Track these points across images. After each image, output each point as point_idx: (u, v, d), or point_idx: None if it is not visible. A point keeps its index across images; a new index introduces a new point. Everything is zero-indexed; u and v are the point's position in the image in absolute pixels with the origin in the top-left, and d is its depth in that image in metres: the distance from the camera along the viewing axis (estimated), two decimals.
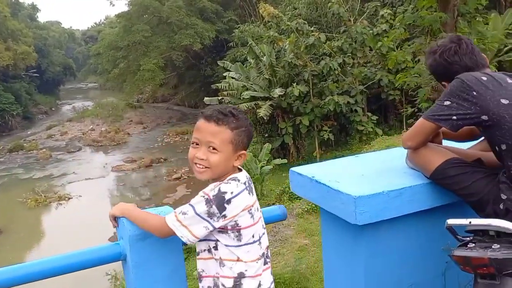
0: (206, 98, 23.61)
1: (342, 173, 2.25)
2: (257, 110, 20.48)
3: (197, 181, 28.13)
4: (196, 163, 1.64)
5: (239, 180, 1.61)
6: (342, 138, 23.29)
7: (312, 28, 20.69)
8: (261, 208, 1.87)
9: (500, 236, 1.69)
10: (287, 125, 21.75)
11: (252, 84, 21.64)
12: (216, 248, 1.60)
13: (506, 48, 17.42)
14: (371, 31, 19.78)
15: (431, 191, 2.07)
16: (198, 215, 1.53)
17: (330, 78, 20.73)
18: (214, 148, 1.60)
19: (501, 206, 1.87)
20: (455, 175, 1.97)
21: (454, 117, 1.90)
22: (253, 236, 1.60)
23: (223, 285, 1.56)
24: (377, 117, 22.23)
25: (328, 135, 21.06)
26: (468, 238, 1.78)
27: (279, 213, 2.19)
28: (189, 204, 1.59)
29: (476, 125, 1.91)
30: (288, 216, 12.58)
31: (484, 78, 1.90)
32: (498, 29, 12.29)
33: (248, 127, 1.68)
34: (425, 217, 2.12)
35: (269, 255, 1.70)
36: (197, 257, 1.68)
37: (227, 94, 22.70)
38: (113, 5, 64.17)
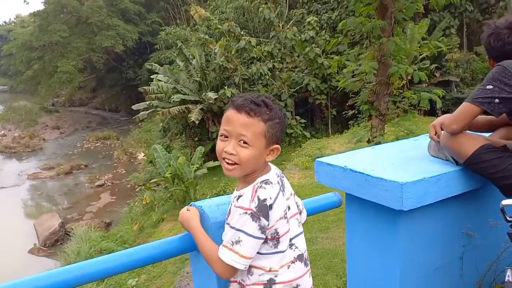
0: (134, 105, 22.78)
1: (372, 162, 2.28)
2: (188, 115, 20.22)
3: (122, 188, 27.12)
4: (224, 158, 1.47)
5: (272, 182, 1.44)
6: None
7: (242, 32, 20.89)
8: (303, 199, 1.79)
9: None
10: (218, 129, 21.71)
11: (182, 87, 21.32)
12: None
13: (420, 57, 18.85)
14: (299, 37, 20.40)
15: (462, 177, 2.16)
16: (253, 236, 1.37)
17: (260, 82, 21.06)
18: (245, 142, 1.43)
19: None
20: (491, 159, 2.09)
21: (496, 100, 2.00)
22: (289, 240, 1.48)
23: None
24: (305, 121, 22.94)
25: None
26: None
27: (335, 200, 2.15)
28: (233, 228, 1.39)
29: None
30: None
31: None
32: (415, 38, 13.26)
33: (282, 118, 1.49)
34: (450, 203, 2.21)
35: (307, 257, 1.57)
36: None
37: (155, 98, 22.17)
38: (27, 3, 59.91)
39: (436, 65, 19.41)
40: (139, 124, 32.76)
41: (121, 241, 14.98)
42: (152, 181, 18.57)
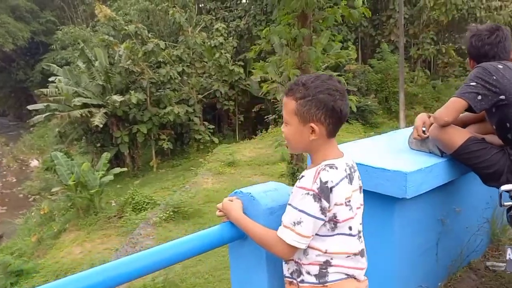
0: (31, 106, 21.04)
1: (366, 154, 2.37)
2: (91, 119, 19.18)
3: (14, 198, 24.87)
4: None
5: (337, 168, 1.43)
6: (178, 147, 23.38)
7: (150, 35, 20.38)
8: None
9: None
10: (123, 134, 20.85)
11: (84, 90, 20.16)
12: None
13: (323, 66, 19.96)
14: (208, 43, 20.45)
15: (448, 167, 2.34)
16: (314, 217, 1.38)
17: (169, 87, 20.68)
18: (285, 121, 1.49)
19: None
20: (477, 150, 2.30)
21: (479, 97, 2.21)
22: (349, 229, 1.46)
23: (308, 272, 1.45)
24: (213, 126, 23.00)
25: (167, 144, 20.91)
26: (510, 203, 2.10)
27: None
28: (296, 209, 1.40)
29: (494, 104, 2.24)
30: (145, 226, 12.09)
31: (500, 66, 2.26)
32: (318, 49, 14.04)
33: (317, 95, 1.43)
34: (432, 192, 2.37)
35: (364, 252, 1.55)
36: None
37: (53, 100, 20.70)
38: None
39: (337, 73, 20.59)
40: (31, 129, 30.34)
41: (18, 254, 13.70)
42: (53, 190, 17.25)
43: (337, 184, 1.41)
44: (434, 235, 2.55)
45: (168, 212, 11.74)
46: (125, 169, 18.72)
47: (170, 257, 1.43)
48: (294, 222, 1.40)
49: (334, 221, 1.43)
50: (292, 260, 1.50)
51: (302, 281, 1.46)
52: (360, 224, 1.55)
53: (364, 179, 2.02)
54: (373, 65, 25.43)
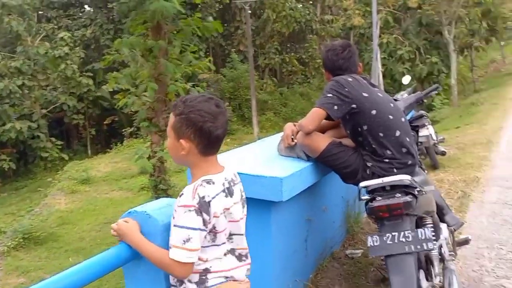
0: None
1: (242, 163, 2.50)
2: None
3: None
4: None
5: (214, 183, 1.51)
6: (22, 167, 21.21)
7: None
8: None
9: (395, 189, 2.38)
10: None
11: None
12: None
13: (177, 75, 20.04)
14: (52, 53, 18.97)
15: (313, 170, 2.59)
16: (199, 229, 1.44)
17: (7, 102, 18.65)
18: (167, 134, 1.59)
19: (368, 172, 2.56)
20: (337, 152, 2.57)
21: (335, 107, 2.48)
22: (225, 235, 1.56)
23: (189, 280, 1.51)
24: (62, 142, 21.39)
25: (9, 164, 18.83)
26: (367, 197, 2.40)
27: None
28: (182, 227, 1.44)
29: (348, 112, 2.54)
30: None
31: (350, 80, 2.55)
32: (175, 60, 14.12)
33: (188, 114, 1.50)
34: (302, 193, 2.62)
35: (246, 254, 1.65)
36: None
37: None
38: None
39: (192, 83, 20.84)
40: None
41: None
42: None
43: (213, 198, 1.48)
44: (303, 233, 2.80)
45: (17, 239, 10.61)
46: None
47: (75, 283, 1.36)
48: (183, 241, 1.44)
49: (213, 232, 1.51)
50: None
51: None
52: (243, 229, 1.65)
53: (243, 186, 2.16)
54: (225, 74, 26.30)
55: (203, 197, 1.45)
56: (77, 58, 21.02)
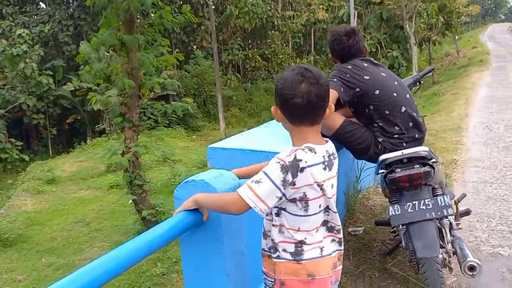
0: None
1: (263, 142, 2.56)
2: None
3: None
4: None
5: (315, 152, 1.50)
6: None
7: None
8: None
9: (412, 160, 2.49)
10: None
11: None
12: (278, 215, 1.55)
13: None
14: (10, 51, 18.24)
15: None
16: (273, 183, 1.45)
17: None
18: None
19: (380, 147, 2.67)
20: (352, 130, 2.68)
21: (342, 89, 2.60)
22: (319, 207, 1.55)
23: (284, 250, 1.52)
24: (21, 143, 20.64)
25: None
26: (384, 171, 2.50)
27: None
28: (263, 172, 1.47)
29: (354, 95, 2.65)
30: None
31: (349, 67, 2.70)
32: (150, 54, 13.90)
33: (276, 83, 1.56)
34: None
35: (338, 229, 1.63)
36: (265, 216, 1.62)
37: None
38: None
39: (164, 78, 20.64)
40: None
41: None
42: None
43: (310, 166, 1.47)
44: None
45: None
46: None
47: (137, 255, 1.38)
48: (254, 180, 1.48)
49: (305, 200, 1.51)
50: (269, 236, 1.58)
51: (278, 257, 1.54)
52: (335, 201, 1.62)
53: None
54: (189, 70, 26.11)
55: (300, 160, 1.46)
56: (36, 56, 20.35)
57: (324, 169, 1.52)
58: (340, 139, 2.67)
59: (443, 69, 28.20)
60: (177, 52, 9.82)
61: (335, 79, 2.62)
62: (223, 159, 2.49)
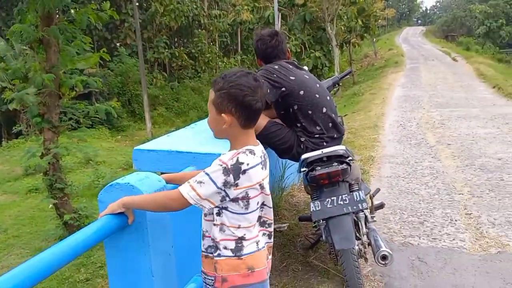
0: None
1: (187, 144, 2.58)
2: None
3: None
4: None
5: (255, 154, 1.60)
6: None
7: None
8: None
9: (331, 159, 2.63)
10: None
11: None
12: (219, 214, 1.61)
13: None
14: None
15: None
16: (215, 184, 1.52)
17: None
18: (208, 109, 1.66)
19: (302, 146, 2.79)
20: (276, 130, 2.77)
21: (268, 90, 2.68)
22: (257, 204, 1.65)
23: (225, 247, 1.60)
24: None
25: None
26: (306, 169, 2.62)
27: None
28: (205, 173, 1.55)
29: (279, 95, 2.74)
30: None
31: (276, 67, 2.80)
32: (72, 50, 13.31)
33: (229, 89, 1.59)
34: None
35: (269, 224, 1.73)
36: (204, 217, 1.68)
37: None
38: None
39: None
40: None
41: None
42: None
43: (252, 167, 1.57)
44: None
45: None
46: None
47: (60, 260, 1.37)
48: (197, 181, 1.54)
49: (246, 199, 1.60)
50: (209, 236, 1.65)
51: (219, 255, 1.60)
52: (270, 196, 1.73)
53: (193, 165, 2.28)
54: (113, 68, 25.28)
55: (242, 163, 1.54)
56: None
57: (262, 168, 1.64)
58: (264, 139, 2.76)
59: (363, 70, 29.66)
60: (102, 51, 9.44)
61: (262, 80, 2.71)
62: (149, 161, 2.50)
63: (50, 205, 9.37)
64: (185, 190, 1.55)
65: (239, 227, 1.61)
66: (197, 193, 1.54)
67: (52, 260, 1.36)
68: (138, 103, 25.20)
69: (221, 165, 1.53)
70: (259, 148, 1.67)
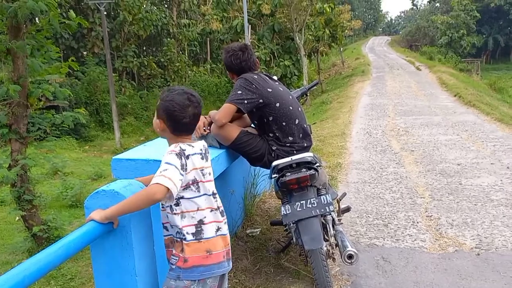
0: None
1: (162, 152, 2.70)
2: None
3: None
4: None
5: (193, 146, 1.85)
6: None
7: None
8: None
9: (300, 166, 2.79)
10: None
11: None
12: (177, 204, 1.79)
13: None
14: None
15: (226, 156, 2.90)
16: (175, 167, 1.73)
17: None
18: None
19: (273, 155, 2.93)
20: (247, 140, 2.91)
21: (245, 101, 2.81)
22: (209, 190, 1.87)
23: (187, 233, 1.77)
24: None
25: None
26: (276, 175, 2.77)
27: None
28: (165, 162, 1.76)
29: (256, 106, 2.89)
30: None
31: (256, 77, 2.92)
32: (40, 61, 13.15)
33: (165, 102, 1.86)
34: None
35: (222, 211, 1.93)
36: (161, 209, 1.86)
37: None
38: None
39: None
40: None
41: None
42: None
43: (192, 154, 1.82)
44: None
45: None
46: None
47: (44, 266, 1.47)
48: (161, 170, 1.74)
49: (196, 183, 1.83)
50: (173, 225, 1.83)
51: (185, 239, 1.79)
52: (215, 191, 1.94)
53: None
54: (80, 77, 24.95)
55: (184, 149, 1.81)
56: None
57: (202, 158, 1.88)
58: (237, 148, 2.92)
59: (330, 78, 30.27)
60: (71, 60, 9.37)
61: (240, 91, 2.84)
62: (127, 170, 2.59)
63: (18, 218, 9.22)
64: (159, 179, 1.72)
65: (198, 210, 1.82)
66: (166, 176, 1.72)
67: (47, 261, 1.47)
68: (106, 112, 24.93)
69: (172, 153, 1.78)
70: (199, 143, 1.93)
